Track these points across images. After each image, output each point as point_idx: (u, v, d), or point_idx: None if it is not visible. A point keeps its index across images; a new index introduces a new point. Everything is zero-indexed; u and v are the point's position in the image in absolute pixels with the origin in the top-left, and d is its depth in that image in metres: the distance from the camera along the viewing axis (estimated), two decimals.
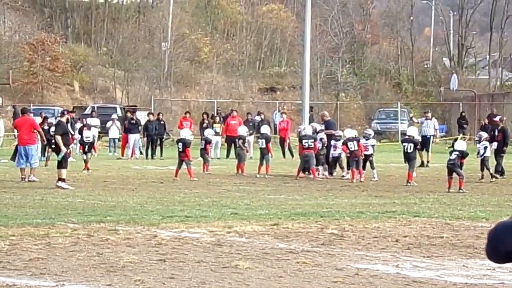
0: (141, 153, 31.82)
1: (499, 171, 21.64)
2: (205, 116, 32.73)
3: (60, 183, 17.70)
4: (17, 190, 17.19)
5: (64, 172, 17.96)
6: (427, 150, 26.34)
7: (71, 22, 57.44)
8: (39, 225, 11.48)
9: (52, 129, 22.86)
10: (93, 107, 41.96)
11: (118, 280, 7.83)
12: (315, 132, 22.07)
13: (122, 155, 31.18)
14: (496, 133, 22.43)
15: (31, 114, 22.77)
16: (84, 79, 53.25)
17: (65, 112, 20.15)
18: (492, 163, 21.32)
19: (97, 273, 8.16)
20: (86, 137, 24.83)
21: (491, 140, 22.18)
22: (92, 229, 11.15)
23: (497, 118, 23.83)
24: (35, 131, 20.31)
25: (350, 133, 21.32)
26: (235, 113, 32.63)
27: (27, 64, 50.34)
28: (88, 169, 23.41)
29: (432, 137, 27.16)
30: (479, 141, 21.19)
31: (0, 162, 27.23)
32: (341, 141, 21.46)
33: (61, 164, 18.04)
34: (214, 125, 31.94)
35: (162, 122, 32.73)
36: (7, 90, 48.45)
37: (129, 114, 33.00)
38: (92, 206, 14.13)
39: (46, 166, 24.41)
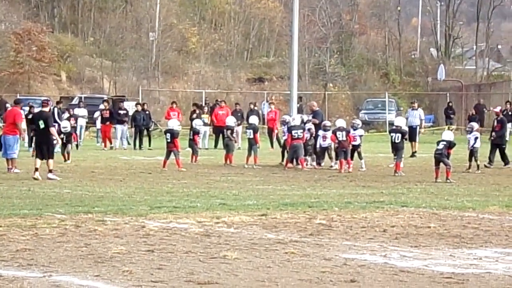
0: (128, 143, 31.74)
1: (507, 160, 22.08)
2: (195, 108, 32.58)
3: (50, 175, 17.56)
4: (3, 181, 17.12)
5: (52, 163, 17.86)
6: (414, 140, 26.41)
7: (57, 11, 57.14)
8: (26, 216, 11.45)
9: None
10: (80, 97, 41.76)
11: (106, 270, 7.82)
12: (303, 122, 22.09)
13: (105, 146, 31.00)
14: (495, 123, 22.63)
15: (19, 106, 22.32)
16: (71, 69, 53.01)
17: (48, 102, 19.58)
18: (481, 154, 21.40)
19: (85, 264, 8.14)
20: (64, 127, 24.14)
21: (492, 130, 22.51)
22: (80, 220, 11.12)
23: (498, 109, 24.05)
24: (17, 123, 20.04)
25: (341, 123, 21.30)
26: (223, 104, 32.58)
27: (13, 54, 50.02)
28: (68, 159, 23.08)
29: (417, 127, 27.23)
30: (471, 131, 21.26)
31: None
32: (330, 131, 21.51)
33: (51, 154, 17.86)
34: (202, 115, 31.88)
35: (147, 112, 32.66)
36: None
37: (105, 104, 32.72)
38: (79, 197, 14.09)
39: (32, 156, 24.29)
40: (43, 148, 17.97)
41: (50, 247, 9.09)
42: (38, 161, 17.83)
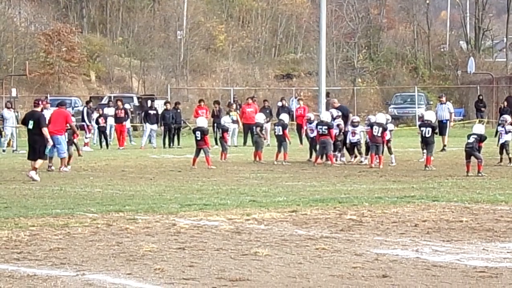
0: (150, 141, 31.73)
1: None
2: (216, 105, 32.56)
3: (32, 173, 17.28)
4: (32, 181, 17.27)
5: (40, 163, 17.60)
6: (443, 134, 26.19)
7: (86, 12, 57.59)
8: (59, 215, 11.54)
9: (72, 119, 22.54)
10: (109, 97, 42.06)
11: (138, 269, 7.86)
12: (333, 118, 22.04)
13: (120, 145, 31.04)
14: None
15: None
16: (100, 69, 53.42)
17: (40, 102, 19.05)
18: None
19: (117, 262, 8.19)
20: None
21: None
22: (111, 219, 11.19)
23: None
24: (67, 124, 20.21)
25: (381, 118, 21.06)
26: (250, 101, 32.64)
27: (43, 55, 50.56)
28: (68, 164, 20.37)
29: (447, 121, 26.98)
30: (503, 124, 21.03)
31: (19, 153, 27.41)
32: (359, 127, 21.45)
33: (43, 155, 17.68)
34: (231, 113, 31.95)
35: (179, 111, 32.75)
36: (24, 81, 48.71)
37: (119, 103, 32.75)
38: (110, 196, 14.18)
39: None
40: (35, 147, 17.63)
41: (83, 246, 9.16)
42: (39, 161, 17.61)
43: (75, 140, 21.42)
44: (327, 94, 35.95)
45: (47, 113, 27.29)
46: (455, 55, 57.60)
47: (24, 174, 18.74)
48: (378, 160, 20.27)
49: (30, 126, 17.76)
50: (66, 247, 9.03)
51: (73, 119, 23.37)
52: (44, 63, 50.19)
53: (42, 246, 9.12)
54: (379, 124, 20.44)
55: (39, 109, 18.50)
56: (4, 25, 50.69)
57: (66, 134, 21.25)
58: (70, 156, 21.00)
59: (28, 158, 17.88)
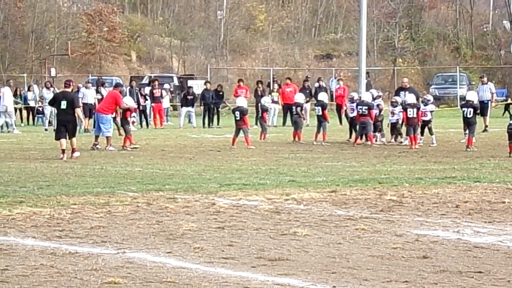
0: (189, 121, 31.75)
1: None
2: (259, 85, 32.60)
3: (75, 154, 17.63)
4: (77, 159, 17.46)
5: (75, 142, 17.87)
6: (485, 115, 25.84)
7: None
8: (100, 193, 11.65)
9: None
10: (150, 77, 42.24)
11: (178, 247, 7.91)
12: (373, 98, 21.88)
13: (156, 125, 31.16)
14: None
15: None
16: (141, 49, 53.64)
17: (70, 83, 18.87)
18: None
19: (157, 241, 8.25)
20: (126, 104, 21.26)
21: None
22: (151, 198, 11.26)
23: None
24: (119, 106, 20.61)
25: (411, 98, 20.92)
26: (288, 81, 32.58)
27: (85, 35, 50.96)
28: (131, 143, 20.43)
29: (489, 102, 26.61)
30: None
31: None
32: (398, 107, 21.30)
33: (75, 132, 17.98)
34: (273, 93, 31.99)
35: (221, 93, 32.83)
36: (66, 61, 49.17)
37: (156, 83, 32.72)
38: (150, 175, 14.28)
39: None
40: (68, 127, 17.68)
41: (123, 224, 9.24)
42: (64, 141, 17.60)
43: (117, 119, 21.72)
44: (367, 75, 35.69)
45: (89, 93, 27.60)
46: (498, 34, 56.68)
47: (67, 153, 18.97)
48: (415, 141, 20.15)
49: (64, 107, 17.87)
50: (107, 225, 9.12)
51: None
52: (85, 43, 50.59)
53: (83, 224, 9.22)
54: (412, 105, 20.30)
55: (69, 89, 18.67)
56: (47, 5, 51.15)
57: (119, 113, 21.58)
58: (127, 134, 20.79)
59: (56, 139, 17.99)
